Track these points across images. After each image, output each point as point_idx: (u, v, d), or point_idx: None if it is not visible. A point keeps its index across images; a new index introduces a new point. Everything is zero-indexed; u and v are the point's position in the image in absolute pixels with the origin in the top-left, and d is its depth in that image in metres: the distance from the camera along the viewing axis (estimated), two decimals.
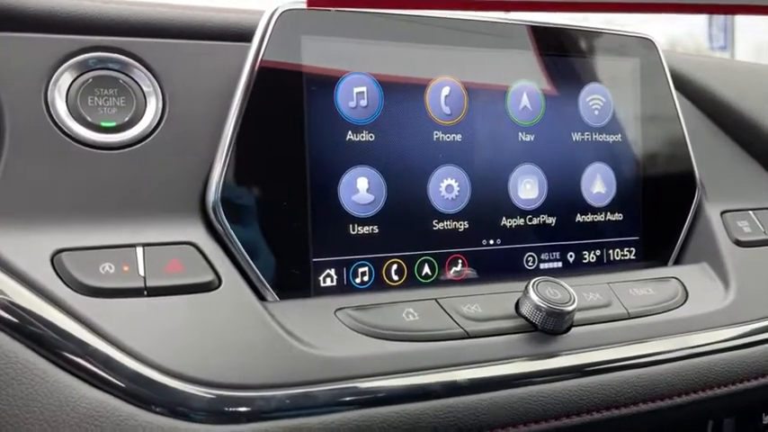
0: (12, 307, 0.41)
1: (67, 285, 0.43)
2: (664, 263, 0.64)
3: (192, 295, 0.45)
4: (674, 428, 0.59)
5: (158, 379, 0.42)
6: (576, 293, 0.52)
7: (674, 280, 0.61)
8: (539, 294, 0.51)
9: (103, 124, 0.48)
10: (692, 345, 0.56)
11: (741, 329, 0.59)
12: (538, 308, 0.51)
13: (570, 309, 0.51)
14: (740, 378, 0.57)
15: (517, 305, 0.52)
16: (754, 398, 0.59)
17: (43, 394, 0.40)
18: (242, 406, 0.42)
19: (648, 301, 0.58)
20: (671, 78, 0.65)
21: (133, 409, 0.41)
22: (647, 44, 0.64)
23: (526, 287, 0.52)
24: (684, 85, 0.73)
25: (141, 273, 0.45)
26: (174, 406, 0.41)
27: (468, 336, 0.50)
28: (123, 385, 0.41)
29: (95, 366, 0.41)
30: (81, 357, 0.41)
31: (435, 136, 0.55)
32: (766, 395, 0.60)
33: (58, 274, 0.43)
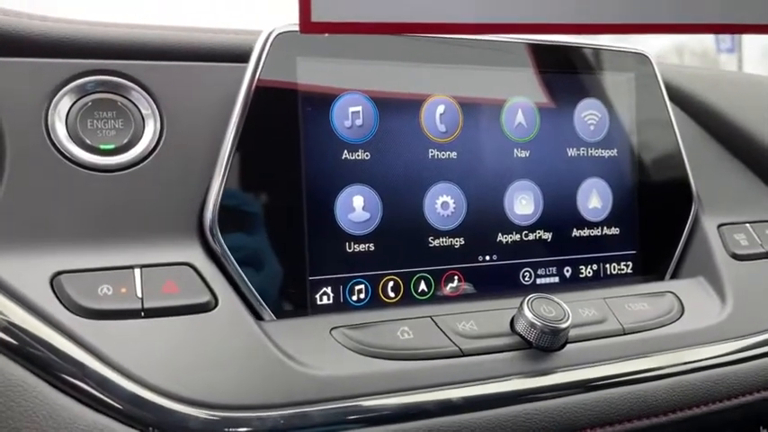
0: (11, 329, 0.42)
1: (66, 307, 0.44)
2: (661, 277, 0.64)
3: (189, 316, 0.46)
4: None
5: (155, 400, 0.42)
6: (571, 310, 0.52)
7: (669, 295, 0.61)
8: (533, 312, 0.51)
9: (102, 147, 0.49)
10: (688, 360, 0.56)
11: (737, 344, 0.59)
12: (532, 325, 0.51)
13: (565, 326, 0.51)
14: (736, 393, 0.57)
15: (512, 322, 0.53)
16: (750, 412, 0.59)
17: (41, 416, 0.41)
18: (238, 426, 0.43)
19: (644, 317, 0.58)
20: (666, 91, 0.65)
21: (130, 430, 0.41)
22: (641, 59, 0.65)
23: (521, 304, 0.52)
24: (680, 98, 0.73)
25: (139, 294, 0.45)
26: (171, 427, 0.42)
27: (462, 354, 0.50)
28: (120, 407, 0.42)
29: (93, 388, 0.42)
30: (79, 379, 0.42)
31: (431, 154, 0.56)
32: (763, 410, 0.60)
33: (56, 296, 0.44)
